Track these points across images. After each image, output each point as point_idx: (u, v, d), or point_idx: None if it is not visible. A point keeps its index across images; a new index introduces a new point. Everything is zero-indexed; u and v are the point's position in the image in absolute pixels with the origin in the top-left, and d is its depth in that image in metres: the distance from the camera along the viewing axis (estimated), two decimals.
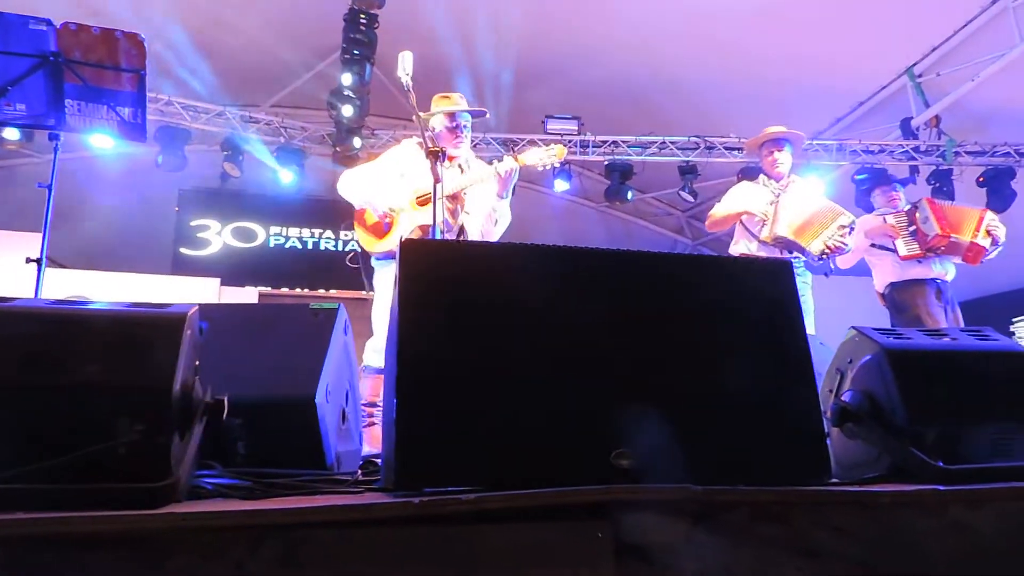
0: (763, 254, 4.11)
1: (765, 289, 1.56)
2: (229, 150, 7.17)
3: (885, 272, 4.81)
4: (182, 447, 1.26)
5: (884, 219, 4.76)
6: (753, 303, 1.54)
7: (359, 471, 1.71)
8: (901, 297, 4.71)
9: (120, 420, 1.17)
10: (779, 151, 4.24)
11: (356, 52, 6.06)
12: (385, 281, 3.59)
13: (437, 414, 1.28)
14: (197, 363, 1.36)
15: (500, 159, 3.63)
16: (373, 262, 3.72)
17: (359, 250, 3.85)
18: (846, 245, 4.03)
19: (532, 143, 7.08)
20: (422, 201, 3.51)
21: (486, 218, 3.68)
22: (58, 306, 1.27)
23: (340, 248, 8.57)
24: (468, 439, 1.28)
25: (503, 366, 1.34)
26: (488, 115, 3.89)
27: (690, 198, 7.53)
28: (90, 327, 1.21)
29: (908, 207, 4.78)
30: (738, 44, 6.43)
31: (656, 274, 1.54)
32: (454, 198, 3.57)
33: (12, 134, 6.37)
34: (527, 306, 1.40)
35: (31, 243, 6.27)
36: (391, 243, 3.54)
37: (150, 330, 1.24)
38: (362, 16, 6.01)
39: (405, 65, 3.11)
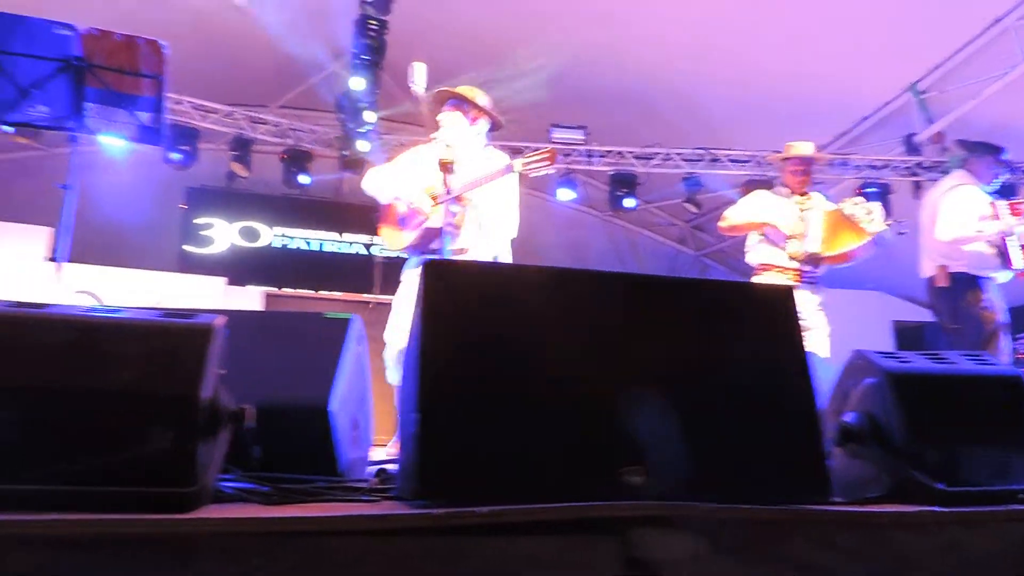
0: (786, 265, 4.15)
1: (768, 314, 1.61)
2: (237, 150, 7.23)
3: (973, 258, 4.17)
4: (207, 453, 1.30)
5: (995, 208, 4.18)
6: (756, 327, 1.59)
7: (375, 479, 1.75)
8: (978, 288, 4.16)
9: (152, 426, 1.21)
10: (808, 171, 4.31)
11: (366, 57, 6.11)
12: (410, 278, 3.40)
13: (457, 429, 1.33)
14: (222, 372, 1.40)
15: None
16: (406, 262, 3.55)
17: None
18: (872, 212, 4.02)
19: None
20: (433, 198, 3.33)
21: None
22: (93, 313, 1.31)
23: (344, 251, 8.62)
24: (486, 453, 1.33)
25: (521, 384, 1.39)
26: (473, 114, 3.62)
27: (694, 209, 7.58)
28: (126, 335, 1.25)
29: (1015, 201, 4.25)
30: (744, 57, 6.48)
31: (666, 297, 1.59)
32: (458, 199, 3.35)
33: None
34: (546, 326, 1.45)
35: (38, 237, 6.30)
36: (412, 236, 3.40)
37: (181, 339, 1.28)
38: (371, 22, 6.06)
39: (417, 76, 3.19)
